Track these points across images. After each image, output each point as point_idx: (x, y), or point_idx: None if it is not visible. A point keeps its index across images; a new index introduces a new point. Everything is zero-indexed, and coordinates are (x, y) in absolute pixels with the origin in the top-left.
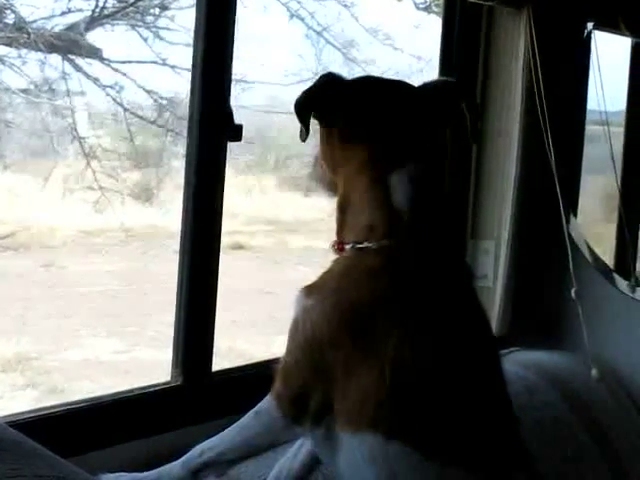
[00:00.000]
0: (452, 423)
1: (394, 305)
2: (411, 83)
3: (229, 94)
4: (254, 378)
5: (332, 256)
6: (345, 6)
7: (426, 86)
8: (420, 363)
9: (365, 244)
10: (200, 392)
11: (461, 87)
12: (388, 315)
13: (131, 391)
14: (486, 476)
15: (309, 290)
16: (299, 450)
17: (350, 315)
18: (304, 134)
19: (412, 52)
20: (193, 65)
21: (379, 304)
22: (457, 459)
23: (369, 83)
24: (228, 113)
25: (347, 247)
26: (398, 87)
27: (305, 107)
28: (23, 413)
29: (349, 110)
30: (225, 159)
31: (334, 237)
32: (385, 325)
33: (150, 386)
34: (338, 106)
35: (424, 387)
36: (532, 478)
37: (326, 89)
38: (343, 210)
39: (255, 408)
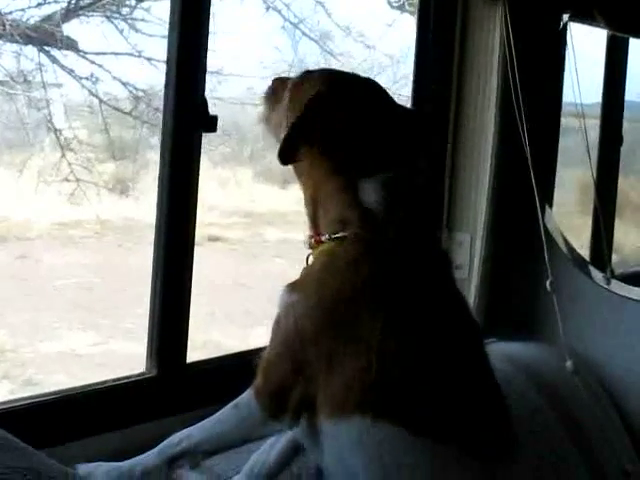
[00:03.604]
0: (441, 400)
1: (376, 291)
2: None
3: (204, 85)
4: (228, 369)
5: (308, 251)
6: (319, 2)
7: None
8: (406, 344)
9: (341, 234)
10: (174, 383)
11: (430, 121)
12: (371, 301)
13: (105, 382)
14: (478, 453)
15: (292, 287)
16: (274, 444)
17: (333, 307)
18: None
19: (384, 50)
20: (168, 57)
21: (361, 292)
22: (447, 436)
23: (346, 97)
24: (203, 104)
25: (323, 238)
26: (373, 99)
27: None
28: None
29: (326, 123)
30: (200, 150)
31: (308, 232)
32: (369, 311)
33: (124, 377)
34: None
35: (411, 367)
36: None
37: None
38: (314, 205)
39: (234, 401)
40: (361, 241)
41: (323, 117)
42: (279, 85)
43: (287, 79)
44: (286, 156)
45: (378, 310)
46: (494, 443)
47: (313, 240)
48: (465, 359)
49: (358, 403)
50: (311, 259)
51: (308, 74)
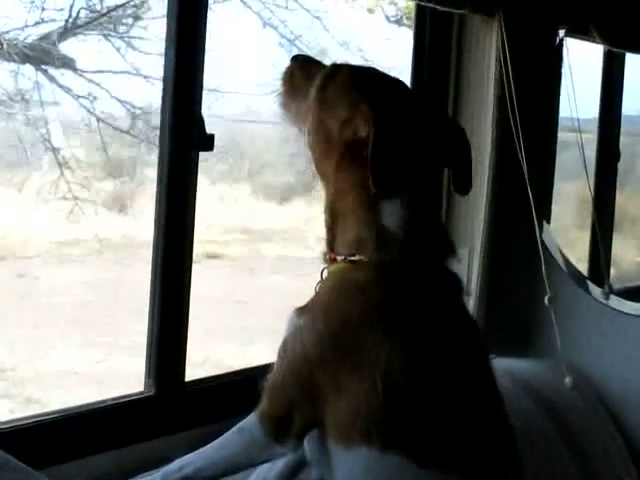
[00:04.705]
0: (447, 431)
1: (384, 317)
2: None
3: (200, 104)
4: (227, 388)
5: (308, 266)
6: (317, 17)
7: (435, 118)
8: (412, 373)
9: (357, 257)
10: (173, 402)
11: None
12: (378, 328)
13: (104, 402)
14: (481, 479)
15: (301, 310)
16: (276, 460)
17: (340, 332)
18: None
19: (383, 64)
20: (164, 75)
21: (369, 317)
22: (453, 467)
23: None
24: (199, 123)
25: (339, 258)
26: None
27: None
28: None
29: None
30: (197, 169)
31: (324, 246)
32: (375, 338)
33: (123, 396)
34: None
35: (417, 397)
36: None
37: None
38: (333, 219)
39: (238, 425)
40: (373, 265)
41: (392, 137)
42: (300, 69)
43: (310, 64)
44: (381, 184)
45: (385, 336)
46: (498, 470)
47: (328, 257)
48: (472, 387)
49: (365, 432)
50: (325, 274)
51: (335, 70)
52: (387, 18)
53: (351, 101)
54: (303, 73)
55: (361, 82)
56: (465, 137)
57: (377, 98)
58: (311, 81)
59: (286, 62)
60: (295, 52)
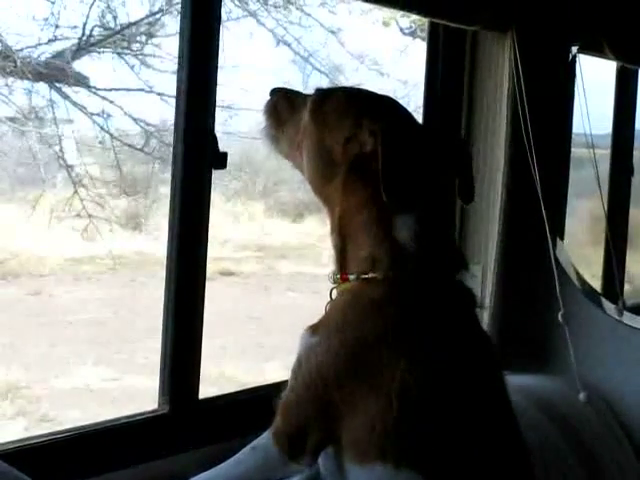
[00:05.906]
0: (460, 448)
1: (399, 335)
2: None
3: (214, 122)
4: (241, 405)
5: (321, 283)
6: (332, 32)
7: (437, 134)
8: (427, 391)
9: (370, 275)
10: (187, 420)
11: (467, 145)
12: (393, 346)
13: (118, 420)
14: None
15: (314, 328)
16: (291, 477)
17: (355, 351)
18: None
19: (398, 77)
20: (177, 93)
21: (384, 335)
22: None
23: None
24: (213, 141)
25: (351, 277)
26: (418, 134)
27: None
28: (9, 443)
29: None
30: (210, 187)
31: (332, 265)
32: (391, 356)
33: (137, 414)
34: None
35: (431, 414)
36: None
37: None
38: (343, 239)
39: (252, 443)
40: (388, 282)
41: (399, 147)
42: (282, 100)
43: (291, 94)
44: (393, 193)
45: (401, 354)
46: None
47: (339, 277)
48: (486, 404)
49: (379, 448)
50: (335, 294)
51: (326, 93)
52: (402, 30)
53: (353, 118)
54: (286, 104)
55: (357, 99)
56: (466, 147)
57: (377, 112)
58: (298, 109)
59: (299, 79)
60: (309, 69)
